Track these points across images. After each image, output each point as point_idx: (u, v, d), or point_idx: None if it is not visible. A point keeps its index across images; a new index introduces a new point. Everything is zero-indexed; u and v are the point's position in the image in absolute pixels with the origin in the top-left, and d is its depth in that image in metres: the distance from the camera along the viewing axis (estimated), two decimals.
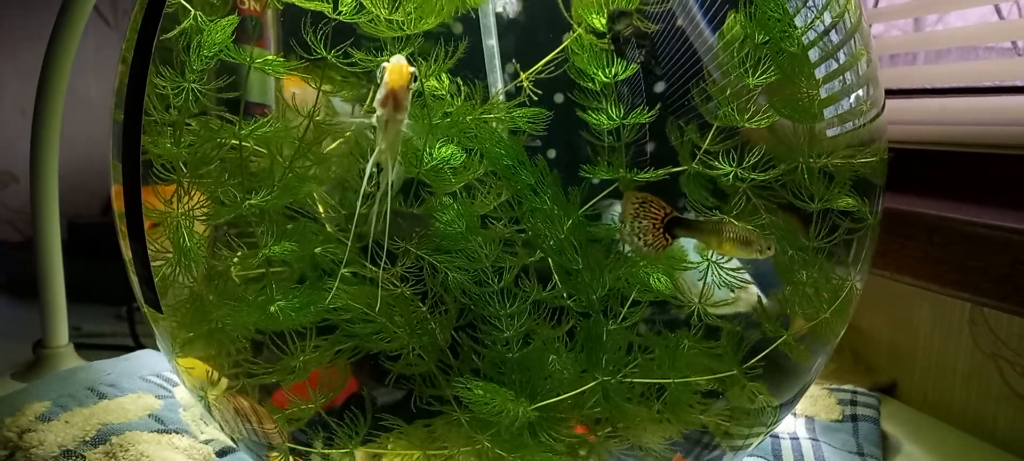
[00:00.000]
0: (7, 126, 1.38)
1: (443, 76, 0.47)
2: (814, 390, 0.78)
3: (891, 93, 0.92)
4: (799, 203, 0.48)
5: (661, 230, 0.46)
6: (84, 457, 0.59)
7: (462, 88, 0.47)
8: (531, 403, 0.47)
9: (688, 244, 0.49)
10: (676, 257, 0.49)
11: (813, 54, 0.49)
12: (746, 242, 0.46)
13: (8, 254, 1.38)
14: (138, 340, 1.05)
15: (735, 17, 0.47)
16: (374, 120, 0.44)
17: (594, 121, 0.47)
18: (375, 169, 0.44)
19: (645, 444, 0.51)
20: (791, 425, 0.72)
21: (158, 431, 0.63)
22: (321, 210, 0.50)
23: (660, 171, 0.48)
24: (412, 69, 0.43)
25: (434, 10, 0.45)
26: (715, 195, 0.48)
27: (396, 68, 0.43)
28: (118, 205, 0.53)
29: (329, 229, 0.49)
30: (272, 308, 0.47)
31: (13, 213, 1.41)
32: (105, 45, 1.38)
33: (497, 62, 0.50)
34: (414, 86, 0.43)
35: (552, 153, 0.48)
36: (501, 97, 0.49)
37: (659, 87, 0.48)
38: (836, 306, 0.53)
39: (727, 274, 0.48)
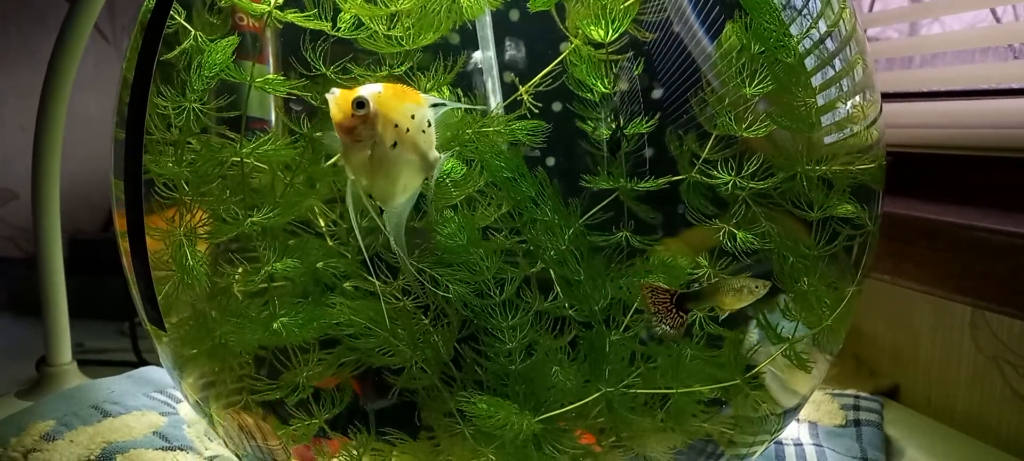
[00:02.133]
0: (7, 143, 1.39)
1: (444, 89, 0.47)
2: (817, 395, 0.78)
3: (888, 97, 0.92)
4: (798, 211, 0.48)
5: (675, 309, 0.47)
6: None
7: (462, 100, 0.47)
8: (535, 415, 0.47)
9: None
10: (676, 266, 0.49)
11: (809, 63, 0.50)
12: (740, 290, 0.47)
13: (10, 271, 1.38)
14: (140, 355, 1.05)
15: (732, 27, 0.47)
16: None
17: (593, 132, 0.47)
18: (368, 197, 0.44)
19: (650, 453, 0.51)
20: (794, 431, 0.72)
21: (163, 448, 0.63)
22: (322, 224, 0.50)
23: (660, 180, 0.48)
24: (360, 94, 0.41)
25: (432, 25, 0.46)
26: (714, 203, 0.48)
27: (333, 103, 0.41)
28: (120, 224, 0.53)
29: (330, 243, 0.49)
30: (275, 324, 0.47)
31: (14, 230, 1.41)
32: (104, 61, 1.38)
33: (495, 74, 0.50)
34: (362, 113, 0.41)
35: (551, 161, 0.48)
36: (500, 110, 0.49)
37: (657, 94, 0.48)
38: (837, 312, 0.53)
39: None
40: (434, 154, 0.44)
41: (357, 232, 0.44)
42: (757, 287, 0.47)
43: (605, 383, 0.48)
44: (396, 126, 0.42)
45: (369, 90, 0.42)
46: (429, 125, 0.43)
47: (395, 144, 0.42)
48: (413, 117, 0.43)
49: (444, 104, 0.44)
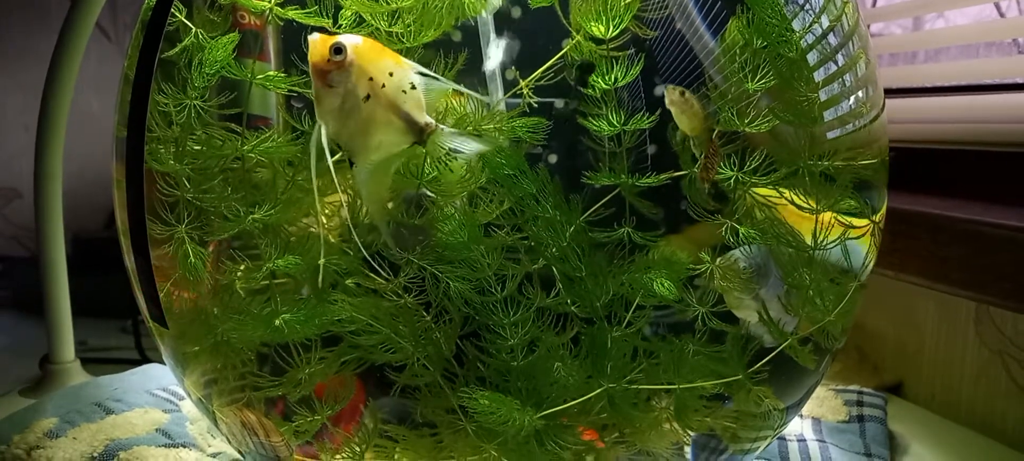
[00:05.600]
0: (10, 142, 1.39)
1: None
2: (820, 391, 0.78)
3: (892, 92, 0.92)
4: (801, 207, 0.48)
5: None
6: None
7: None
8: (537, 411, 0.47)
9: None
10: (678, 261, 0.49)
11: (811, 57, 0.50)
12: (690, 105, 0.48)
13: (13, 270, 1.39)
14: (143, 353, 1.05)
15: (735, 22, 0.47)
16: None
17: (595, 127, 0.47)
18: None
19: (652, 449, 0.51)
20: (798, 427, 0.72)
21: (165, 446, 0.63)
22: (324, 221, 0.50)
23: (663, 175, 0.48)
24: (338, 41, 0.42)
25: (433, 22, 0.46)
26: (717, 199, 0.48)
27: (312, 45, 0.43)
28: (122, 222, 0.53)
29: (332, 239, 0.49)
30: (277, 321, 0.47)
31: (18, 229, 1.41)
32: (106, 60, 1.38)
33: (497, 71, 0.50)
34: (338, 58, 0.42)
35: (553, 158, 0.48)
36: (501, 106, 0.49)
37: (659, 90, 0.48)
38: (840, 308, 0.53)
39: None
40: (425, 119, 0.44)
41: (313, 175, 0.45)
42: (692, 100, 0.47)
43: (607, 379, 0.48)
44: (371, 79, 0.43)
45: (349, 39, 0.43)
46: (412, 88, 0.44)
47: (368, 97, 0.43)
48: (391, 75, 0.43)
49: (433, 77, 0.44)
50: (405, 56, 0.46)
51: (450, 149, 0.44)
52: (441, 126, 0.44)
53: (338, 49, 0.42)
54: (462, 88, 0.46)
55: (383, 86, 0.43)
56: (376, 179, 0.45)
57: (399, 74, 0.43)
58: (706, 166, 0.47)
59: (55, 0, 1.37)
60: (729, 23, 0.48)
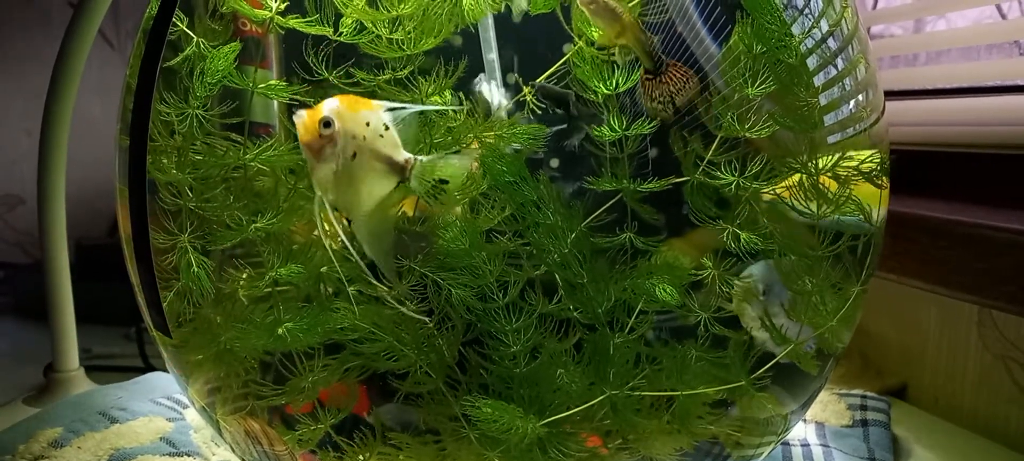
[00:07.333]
0: (13, 148, 1.39)
1: (446, 93, 0.47)
2: (824, 396, 0.78)
3: (893, 95, 0.92)
4: (801, 212, 0.48)
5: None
6: None
7: (464, 103, 0.47)
8: (540, 419, 0.47)
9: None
10: (680, 266, 0.49)
11: (811, 62, 0.50)
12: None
13: (16, 277, 1.39)
14: (147, 360, 1.05)
15: (735, 28, 0.47)
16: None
17: (597, 133, 0.47)
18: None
19: (656, 455, 0.51)
20: (801, 431, 0.72)
21: (170, 454, 0.63)
22: (326, 229, 0.50)
23: (663, 181, 0.48)
24: (325, 114, 0.43)
25: (434, 29, 0.46)
26: (718, 205, 0.48)
27: (301, 125, 0.43)
28: (125, 230, 0.53)
29: (335, 247, 0.49)
30: (280, 330, 0.47)
31: (21, 235, 1.42)
32: (108, 66, 1.39)
33: (498, 76, 0.50)
34: (329, 132, 0.43)
35: (555, 162, 0.49)
36: (502, 113, 0.49)
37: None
38: (842, 313, 0.52)
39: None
40: (403, 155, 0.44)
41: (326, 243, 0.46)
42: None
43: (610, 385, 0.48)
44: (354, 137, 0.43)
45: (330, 107, 0.43)
46: (387, 128, 0.44)
47: (354, 155, 0.44)
48: (368, 124, 0.44)
49: (402, 107, 0.45)
50: (407, 64, 0.46)
51: (436, 178, 0.44)
52: (419, 158, 0.44)
53: (327, 123, 0.43)
54: (432, 106, 0.46)
55: (364, 138, 0.44)
56: (376, 228, 0.45)
57: (374, 120, 0.44)
58: (664, 90, 0.46)
59: (56, 6, 1.38)
60: (731, 30, 0.48)
